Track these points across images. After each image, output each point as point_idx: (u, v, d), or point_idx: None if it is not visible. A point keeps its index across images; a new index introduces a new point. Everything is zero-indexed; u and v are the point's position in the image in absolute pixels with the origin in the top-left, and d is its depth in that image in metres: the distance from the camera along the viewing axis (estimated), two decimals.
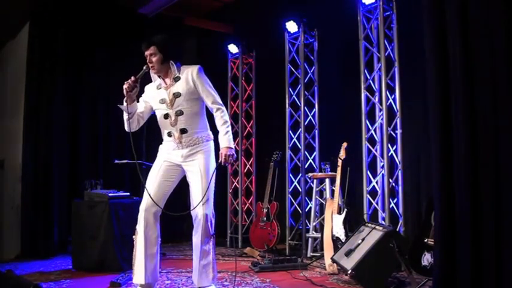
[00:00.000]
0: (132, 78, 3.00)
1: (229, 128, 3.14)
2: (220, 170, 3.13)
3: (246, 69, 6.05)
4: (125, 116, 3.11)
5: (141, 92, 3.22)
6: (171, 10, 5.67)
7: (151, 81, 3.22)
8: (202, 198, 2.98)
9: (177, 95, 3.05)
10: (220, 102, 3.15)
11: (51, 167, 5.02)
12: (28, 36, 5.06)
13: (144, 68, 3.06)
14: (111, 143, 5.67)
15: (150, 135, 4.00)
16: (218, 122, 3.12)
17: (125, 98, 3.01)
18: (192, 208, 3.03)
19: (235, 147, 3.05)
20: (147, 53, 3.04)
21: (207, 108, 3.19)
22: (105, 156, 5.51)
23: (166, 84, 3.11)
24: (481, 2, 2.62)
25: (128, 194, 4.41)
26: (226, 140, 3.08)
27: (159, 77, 3.13)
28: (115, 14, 5.62)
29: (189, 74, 3.07)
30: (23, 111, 5.04)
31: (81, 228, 4.16)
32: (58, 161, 5.08)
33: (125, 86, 2.98)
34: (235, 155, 3.12)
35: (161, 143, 3.24)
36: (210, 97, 3.10)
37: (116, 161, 4.62)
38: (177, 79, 3.08)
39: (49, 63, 5.08)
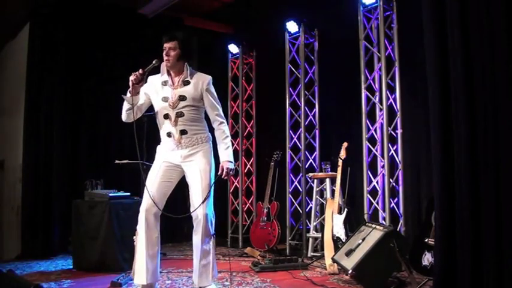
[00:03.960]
0: (140, 70, 3.00)
1: (230, 143, 3.19)
2: (217, 173, 3.14)
3: (246, 69, 6.05)
4: (126, 107, 3.11)
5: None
6: (171, 10, 5.67)
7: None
8: (206, 199, 2.99)
9: (182, 98, 3.06)
10: (224, 116, 3.21)
11: (51, 167, 5.02)
12: (28, 36, 5.07)
13: (154, 62, 3.05)
14: (111, 143, 5.67)
15: (150, 135, 3.99)
16: (220, 136, 3.16)
17: (129, 89, 3.01)
18: (192, 210, 3.02)
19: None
20: (166, 45, 3.03)
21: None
22: (105, 156, 5.51)
23: (173, 83, 3.11)
24: (481, 2, 2.62)
25: (128, 194, 4.42)
26: (227, 154, 3.13)
27: (168, 73, 3.12)
28: (115, 14, 5.62)
29: (200, 83, 3.10)
30: (23, 111, 5.05)
31: (82, 228, 4.16)
32: (58, 161, 5.08)
33: (132, 78, 2.98)
34: (234, 169, 3.16)
35: (159, 144, 3.24)
36: (215, 110, 3.15)
37: (117, 162, 4.62)
38: (186, 83, 3.09)
39: (49, 63, 5.09)
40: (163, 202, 3.10)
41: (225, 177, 3.11)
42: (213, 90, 3.14)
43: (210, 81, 3.13)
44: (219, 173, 3.09)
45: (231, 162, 3.12)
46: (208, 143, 3.17)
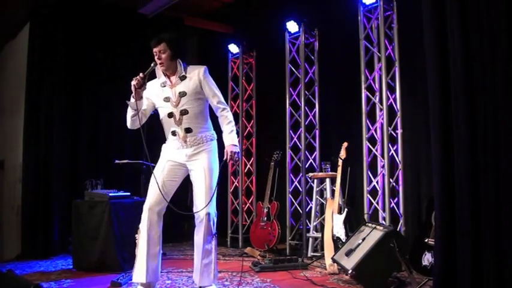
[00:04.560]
0: (141, 74, 3.00)
1: (234, 128, 3.18)
2: (221, 169, 3.14)
3: (246, 69, 6.05)
4: (130, 113, 3.11)
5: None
6: (171, 10, 5.67)
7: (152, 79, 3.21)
8: (211, 199, 3.00)
9: (182, 94, 3.06)
10: (225, 102, 3.20)
11: (51, 167, 5.02)
12: (28, 36, 5.07)
13: (152, 64, 3.06)
14: (111, 143, 5.67)
15: (150, 135, 4.00)
16: (223, 122, 3.15)
17: (133, 94, 3.01)
18: (197, 210, 3.03)
19: None
20: (156, 49, 3.03)
21: (210, 109, 3.20)
22: (105, 156, 5.51)
23: (171, 82, 3.11)
24: (481, 2, 2.62)
25: (128, 193, 4.42)
26: (231, 138, 3.12)
27: (164, 74, 3.13)
28: (115, 14, 5.63)
29: (196, 74, 3.09)
30: (23, 111, 5.05)
31: (82, 228, 4.16)
32: (58, 161, 5.08)
33: (133, 82, 2.98)
34: (239, 153, 3.15)
35: (164, 143, 3.25)
36: (216, 97, 3.14)
37: (116, 161, 4.62)
38: (183, 78, 3.09)
39: (49, 63, 5.09)
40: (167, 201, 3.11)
41: (230, 162, 3.09)
42: (210, 78, 3.14)
43: (206, 70, 3.13)
44: (224, 157, 3.08)
45: (236, 145, 3.10)
46: (213, 142, 3.17)
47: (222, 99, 3.18)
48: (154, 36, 3.07)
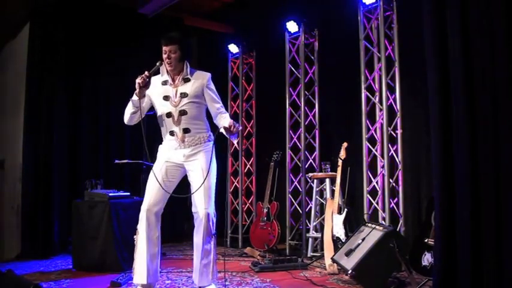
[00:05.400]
0: (146, 73, 3.01)
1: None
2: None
3: (246, 69, 6.05)
4: (131, 110, 3.12)
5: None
6: (171, 10, 5.68)
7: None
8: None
9: (183, 95, 3.07)
10: (225, 110, 3.22)
11: (51, 167, 5.02)
12: (28, 36, 5.07)
13: (158, 63, 3.07)
14: (111, 143, 5.67)
15: (150, 135, 3.99)
16: (221, 122, 3.13)
17: (136, 92, 3.01)
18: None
19: (235, 147, 3.12)
20: (166, 48, 3.04)
21: (207, 111, 3.21)
22: (105, 156, 5.51)
23: (174, 82, 3.12)
24: (482, 2, 2.62)
25: (128, 193, 4.42)
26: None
27: (167, 73, 3.13)
28: (115, 14, 5.63)
29: (200, 79, 3.12)
30: (23, 111, 5.05)
31: (82, 228, 4.16)
32: (58, 161, 5.08)
33: (138, 81, 2.99)
34: (240, 126, 3.14)
35: (161, 143, 3.25)
36: (217, 105, 3.17)
37: (116, 161, 4.62)
38: (186, 80, 3.11)
39: (49, 63, 5.09)
40: (165, 201, 3.12)
41: (233, 130, 2.95)
42: (213, 86, 3.18)
43: (210, 78, 3.16)
44: (227, 124, 2.94)
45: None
46: (211, 143, 3.18)
47: (223, 107, 3.21)
48: (155, 35, 3.07)
